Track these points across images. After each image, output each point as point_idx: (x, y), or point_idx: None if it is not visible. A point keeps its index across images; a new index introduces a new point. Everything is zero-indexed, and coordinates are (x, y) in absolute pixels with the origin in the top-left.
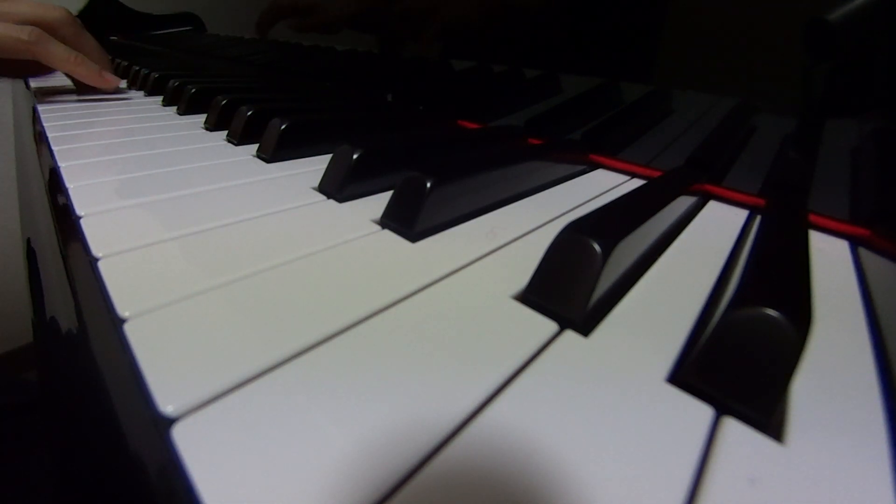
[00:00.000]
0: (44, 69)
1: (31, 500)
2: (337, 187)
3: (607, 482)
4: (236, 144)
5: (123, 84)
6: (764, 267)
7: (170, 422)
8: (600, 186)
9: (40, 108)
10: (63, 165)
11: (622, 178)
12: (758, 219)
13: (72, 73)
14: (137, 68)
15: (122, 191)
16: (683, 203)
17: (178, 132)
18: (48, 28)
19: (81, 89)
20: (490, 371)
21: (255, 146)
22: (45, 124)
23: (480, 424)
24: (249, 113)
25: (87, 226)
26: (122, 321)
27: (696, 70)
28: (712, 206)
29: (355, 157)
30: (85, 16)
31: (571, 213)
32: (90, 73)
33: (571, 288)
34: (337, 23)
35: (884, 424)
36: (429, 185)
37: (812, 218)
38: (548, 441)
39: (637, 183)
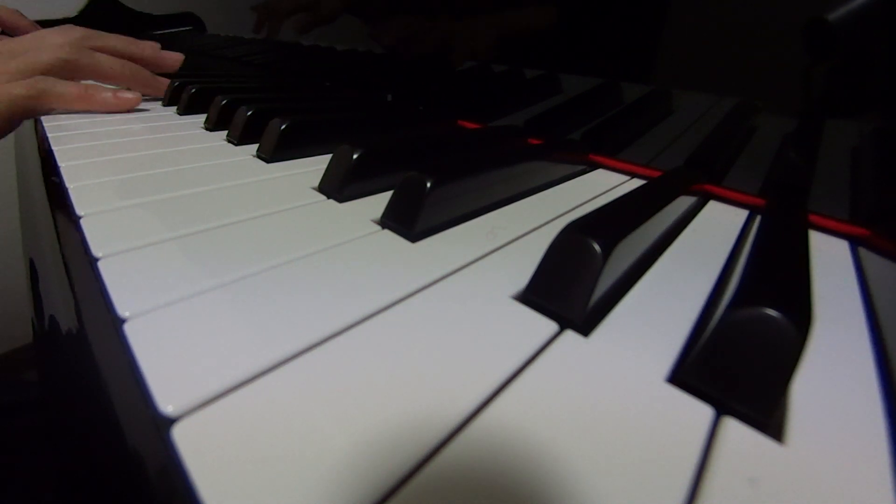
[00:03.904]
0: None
1: (31, 500)
2: (337, 187)
3: (607, 482)
4: (236, 144)
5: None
6: (764, 267)
7: (170, 422)
8: (600, 186)
9: None
10: (63, 165)
11: (622, 178)
12: (758, 219)
13: (90, 110)
14: None
15: (122, 191)
16: (683, 203)
17: (178, 132)
18: (61, 64)
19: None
20: (490, 371)
21: (255, 146)
22: (44, 124)
23: (480, 424)
24: (249, 113)
25: (87, 226)
26: (122, 321)
27: (696, 70)
28: (712, 206)
29: (355, 157)
30: (85, 16)
31: (571, 213)
32: (106, 101)
33: (571, 288)
34: (335, 13)
35: (884, 424)
36: (429, 185)
37: (812, 218)
38: (547, 441)
39: (637, 183)
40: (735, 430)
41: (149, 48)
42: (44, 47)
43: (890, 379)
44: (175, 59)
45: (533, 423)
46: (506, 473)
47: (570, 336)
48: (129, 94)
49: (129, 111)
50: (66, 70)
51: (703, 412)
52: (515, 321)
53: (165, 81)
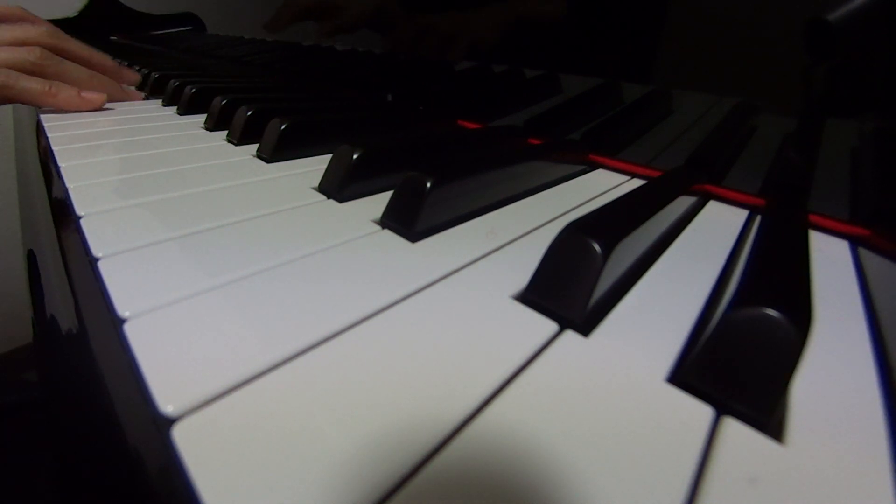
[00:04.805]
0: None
1: (31, 500)
2: (337, 187)
3: (607, 482)
4: (236, 144)
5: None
6: (764, 267)
7: (170, 422)
8: (600, 186)
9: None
10: (63, 165)
11: (622, 178)
12: (758, 219)
13: (53, 106)
14: (137, 68)
15: (122, 191)
16: (683, 203)
17: (178, 132)
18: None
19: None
20: (490, 371)
21: (255, 146)
22: (45, 124)
23: (480, 424)
24: (249, 113)
25: (87, 226)
26: (122, 321)
27: (696, 70)
28: (712, 206)
29: (355, 157)
30: (85, 16)
31: (571, 213)
32: (69, 100)
33: (571, 288)
34: (357, 24)
35: (884, 424)
36: (429, 185)
37: (812, 218)
38: (548, 441)
39: (637, 183)
40: (735, 430)
41: (109, 60)
42: (8, 48)
43: (890, 379)
44: (134, 77)
45: (533, 423)
46: (506, 473)
47: (570, 336)
48: (93, 95)
49: (98, 110)
50: (33, 72)
51: (703, 412)
52: (515, 321)
53: (136, 93)
